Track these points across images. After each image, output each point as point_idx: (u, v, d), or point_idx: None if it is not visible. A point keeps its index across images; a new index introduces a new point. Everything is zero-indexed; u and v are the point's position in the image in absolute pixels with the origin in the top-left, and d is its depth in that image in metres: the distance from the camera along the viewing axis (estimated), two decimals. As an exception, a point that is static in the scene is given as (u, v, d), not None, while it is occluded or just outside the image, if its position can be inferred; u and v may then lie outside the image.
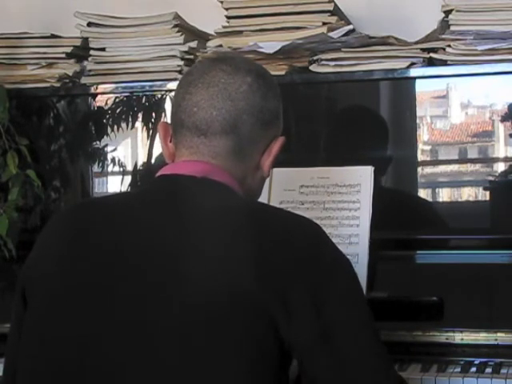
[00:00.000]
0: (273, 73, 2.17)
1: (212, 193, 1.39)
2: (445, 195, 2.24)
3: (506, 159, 2.15)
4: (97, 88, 2.38)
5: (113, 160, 2.40)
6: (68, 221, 1.44)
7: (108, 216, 1.39)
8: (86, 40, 2.39)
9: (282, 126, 1.51)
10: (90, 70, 2.38)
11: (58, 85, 2.39)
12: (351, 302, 1.32)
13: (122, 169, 2.40)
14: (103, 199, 1.64)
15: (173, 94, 2.33)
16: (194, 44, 2.31)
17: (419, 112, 2.20)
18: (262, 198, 1.93)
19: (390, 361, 1.34)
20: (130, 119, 2.39)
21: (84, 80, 2.38)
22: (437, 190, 2.23)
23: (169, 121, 1.50)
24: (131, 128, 2.39)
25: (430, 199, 2.21)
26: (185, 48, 2.30)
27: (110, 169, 2.40)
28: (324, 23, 2.21)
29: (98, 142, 2.40)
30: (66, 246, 1.38)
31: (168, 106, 2.34)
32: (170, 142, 1.48)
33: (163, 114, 2.35)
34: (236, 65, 1.45)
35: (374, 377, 1.29)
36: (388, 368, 1.32)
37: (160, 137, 1.50)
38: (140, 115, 2.38)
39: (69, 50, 2.40)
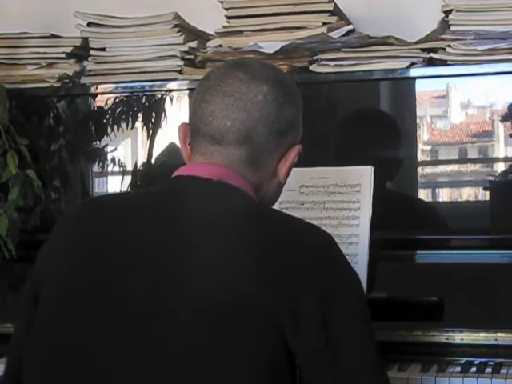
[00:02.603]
0: (273, 73, 2.19)
1: (227, 196, 1.38)
2: (445, 195, 2.24)
3: (506, 159, 2.15)
4: (97, 88, 2.38)
5: (113, 160, 2.40)
6: (78, 219, 1.44)
7: (119, 216, 1.39)
8: (86, 40, 2.39)
9: (300, 133, 1.48)
10: (90, 70, 2.38)
11: (58, 85, 2.39)
12: (357, 316, 1.31)
13: (122, 169, 2.40)
14: (114, 198, 1.61)
15: (173, 94, 2.34)
16: (194, 44, 2.31)
17: (419, 112, 2.20)
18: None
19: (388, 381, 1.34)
20: (130, 119, 2.39)
21: (84, 80, 2.38)
22: (437, 190, 2.22)
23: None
24: (131, 128, 2.39)
25: (429, 199, 2.21)
26: (185, 48, 2.30)
27: (110, 169, 2.40)
28: (324, 23, 2.21)
29: (98, 142, 2.40)
30: (75, 246, 1.38)
31: (168, 105, 2.34)
32: (189, 144, 1.47)
33: (163, 114, 2.35)
34: (253, 72, 1.42)
35: None
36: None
37: (180, 138, 1.49)
38: (140, 115, 2.38)
39: (69, 49, 2.40)
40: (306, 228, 1.36)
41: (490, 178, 2.15)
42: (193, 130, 1.45)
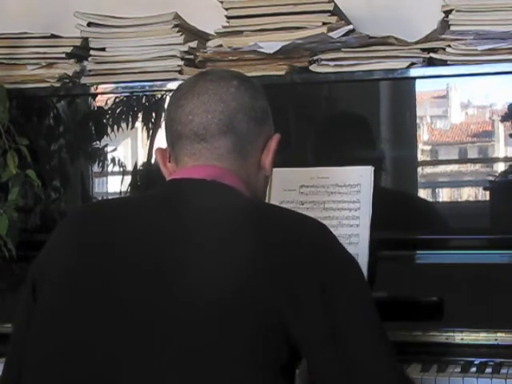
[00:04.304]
0: (273, 73, 2.19)
1: (222, 195, 1.41)
2: (445, 195, 2.24)
3: (506, 159, 2.15)
4: (97, 88, 2.38)
5: (113, 160, 2.40)
6: (79, 221, 1.45)
7: (119, 217, 1.41)
8: (86, 40, 2.39)
9: (273, 125, 1.54)
10: (90, 70, 2.38)
11: (58, 85, 2.39)
12: (359, 300, 1.33)
13: (121, 169, 2.40)
14: (114, 201, 1.69)
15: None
16: (194, 44, 2.31)
17: (419, 112, 2.20)
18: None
19: (397, 360, 1.34)
20: (130, 119, 2.39)
21: (84, 80, 2.38)
22: (437, 190, 2.22)
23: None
24: (131, 128, 2.39)
25: (430, 199, 2.21)
26: (185, 48, 2.30)
27: (110, 169, 2.40)
28: (324, 23, 2.21)
29: (98, 142, 2.40)
30: (75, 246, 1.40)
31: (168, 105, 2.34)
32: (169, 162, 1.51)
33: (163, 114, 2.35)
34: (221, 74, 1.52)
35: (381, 375, 1.30)
36: (395, 367, 1.33)
37: (159, 161, 1.55)
38: (140, 115, 2.38)
39: (69, 50, 2.40)
40: (301, 222, 1.38)
41: (490, 178, 2.15)
42: (173, 138, 1.48)
